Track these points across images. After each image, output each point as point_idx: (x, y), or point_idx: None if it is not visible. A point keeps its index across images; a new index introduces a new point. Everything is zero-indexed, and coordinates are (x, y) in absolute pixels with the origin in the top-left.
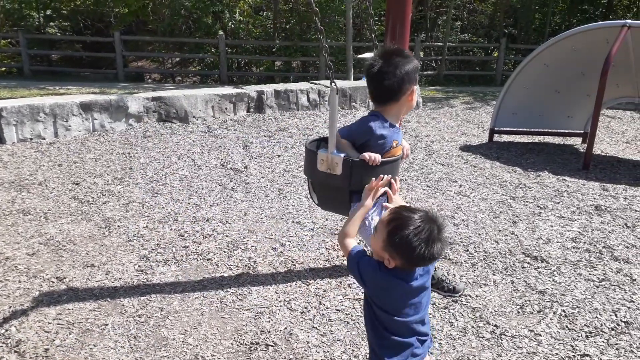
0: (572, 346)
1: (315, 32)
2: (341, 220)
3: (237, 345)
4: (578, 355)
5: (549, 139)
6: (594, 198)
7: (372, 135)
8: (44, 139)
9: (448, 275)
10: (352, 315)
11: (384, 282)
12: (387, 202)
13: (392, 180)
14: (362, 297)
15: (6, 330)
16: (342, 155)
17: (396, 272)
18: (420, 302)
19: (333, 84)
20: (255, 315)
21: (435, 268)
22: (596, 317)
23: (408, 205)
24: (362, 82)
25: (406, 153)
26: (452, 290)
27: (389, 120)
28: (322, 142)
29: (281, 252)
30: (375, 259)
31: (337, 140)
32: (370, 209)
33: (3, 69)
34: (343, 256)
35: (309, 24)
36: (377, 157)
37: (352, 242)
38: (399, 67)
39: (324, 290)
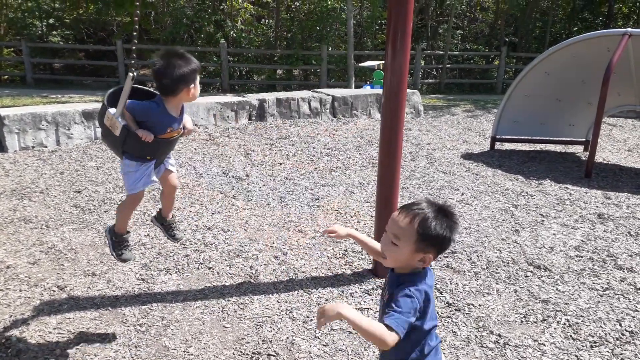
0: (576, 356)
1: (317, 40)
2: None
3: (239, 355)
4: None
5: (550, 147)
6: (597, 206)
7: (148, 118)
8: (46, 147)
9: (450, 284)
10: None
11: (429, 296)
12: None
13: (328, 232)
14: (364, 307)
15: (7, 340)
16: (123, 123)
17: (426, 276)
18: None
19: (132, 70)
20: (257, 325)
21: (173, 215)
22: (600, 326)
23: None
24: (363, 91)
25: (186, 132)
26: (174, 237)
27: (168, 109)
28: (117, 96)
29: (283, 260)
30: (414, 297)
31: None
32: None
33: (6, 77)
34: (345, 265)
35: (310, 33)
36: (149, 136)
37: (384, 331)
38: (175, 69)
39: (326, 300)
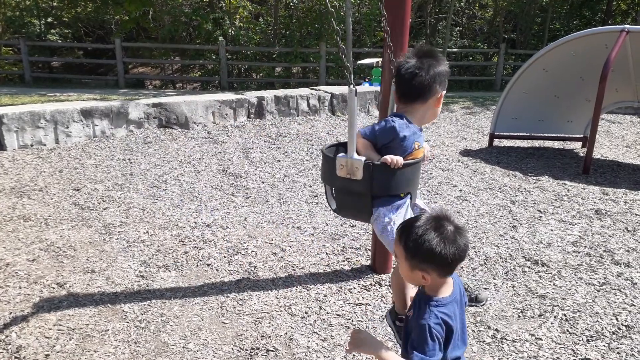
0: (573, 350)
1: (316, 37)
2: (342, 225)
3: (238, 350)
4: (579, 359)
5: (548, 144)
6: (594, 202)
7: (395, 135)
8: (45, 145)
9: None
10: (352, 320)
11: (452, 324)
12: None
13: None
14: (363, 302)
15: (7, 336)
16: (363, 159)
17: (449, 305)
18: (463, 313)
19: (351, 85)
20: (256, 321)
21: None
22: (597, 321)
23: None
24: (362, 88)
25: (427, 155)
26: (475, 300)
27: (412, 122)
28: (339, 147)
29: (281, 257)
30: (435, 327)
31: (357, 141)
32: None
33: (4, 75)
34: (343, 261)
35: (308, 31)
36: (399, 160)
37: None
38: (432, 67)
39: (325, 295)
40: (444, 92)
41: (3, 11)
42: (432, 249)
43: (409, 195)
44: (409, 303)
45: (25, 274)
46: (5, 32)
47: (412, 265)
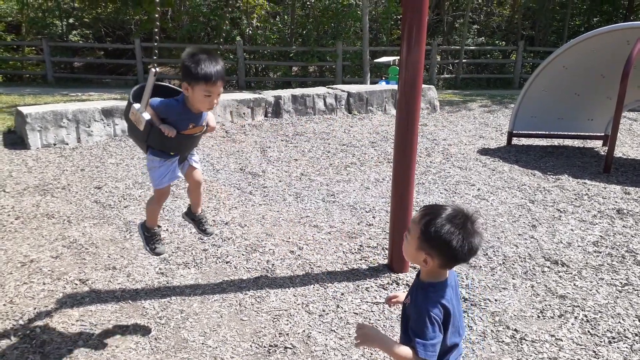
0: (594, 352)
1: (333, 36)
2: (359, 223)
3: (256, 347)
4: None
5: (568, 142)
6: (616, 201)
7: (170, 115)
8: (67, 144)
9: (467, 278)
10: (370, 319)
11: (448, 307)
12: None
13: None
14: (380, 301)
15: (31, 331)
16: (147, 118)
17: (444, 290)
18: (459, 301)
19: (154, 66)
20: (274, 318)
21: (202, 210)
22: (619, 322)
23: None
24: (378, 87)
25: (209, 129)
26: (205, 232)
27: (187, 106)
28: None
29: (299, 255)
30: (434, 305)
31: (147, 108)
32: None
33: (28, 76)
34: (360, 260)
35: (325, 30)
36: (172, 132)
37: (403, 349)
38: (183, 61)
39: (342, 294)
40: (193, 85)
41: (26, 13)
42: (449, 242)
43: (177, 156)
44: (156, 221)
45: (49, 270)
46: (29, 33)
47: (421, 246)
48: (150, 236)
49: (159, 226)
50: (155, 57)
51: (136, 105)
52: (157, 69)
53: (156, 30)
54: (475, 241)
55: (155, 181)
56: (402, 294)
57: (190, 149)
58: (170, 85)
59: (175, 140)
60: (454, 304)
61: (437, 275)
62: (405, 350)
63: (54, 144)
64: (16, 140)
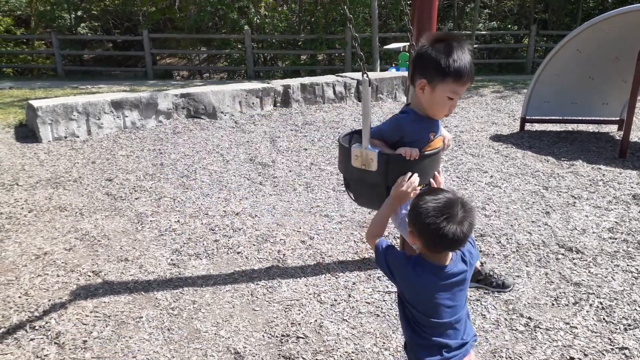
0: (609, 339)
1: (342, 24)
2: (370, 213)
3: (269, 337)
4: (616, 348)
5: (582, 127)
6: (632, 187)
7: (403, 131)
8: (78, 137)
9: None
10: (382, 308)
11: (413, 277)
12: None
13: (436, 173)
14: (392, 290)
15: (46, 323)
16: (377, 150)
17: (425, 265)
18: (453, 298)
19: (365, 75)
20: (286, 308)
21: (482, 263)
22: (635, 309)
23: None
24: (389, 74)
25: (447, 143)
26: (502, 286)
27: (420, 114)
28: (355, 135)
29: (310, 245)
30: (403, 251)
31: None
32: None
33: (37, 69)
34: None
35: (334, 17)
36: (414, 151)
37: (379, 238)
38: (420, 51)
39: (353, 283)
40: (429, 81)
41: (35, 6)
42: (420, 218)
43: (426, 187)
44: None
45: (63, 262)
46: (38, 26)
47: (408, 220)
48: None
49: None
50: (363, 62)
51: (356, 146)
52: (369, 77)
53: (354, 35)
54: (450, 229)
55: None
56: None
57: (432, 173)
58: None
59: (420, 162)
60: (427, 290)
61: (432, 257)
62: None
63: (65, 137)
64: (28, 133)
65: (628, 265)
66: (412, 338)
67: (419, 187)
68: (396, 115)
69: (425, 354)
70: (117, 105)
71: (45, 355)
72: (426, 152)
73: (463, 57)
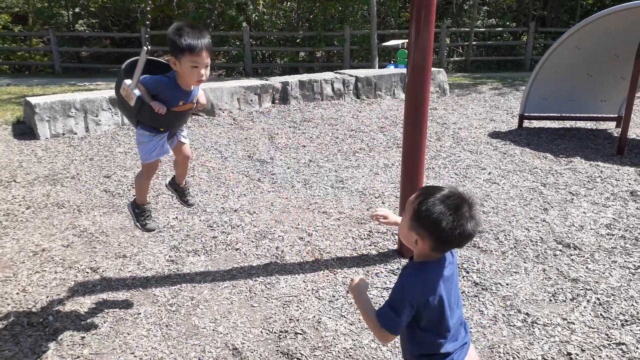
0: (607, 334)
1: (340, 21)
2: (368, 209)
3: (267, 333)
4: (613, 343)
5: (581, 124)
6: (629, 183)
7: (159, 92)
8: (76, 133)
9: (477, 263)
10: (380, 304)
11: (430, 282)
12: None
13: (377, 216)
14: (389, 286)
15: (44, 319)
16: (138, 94)
17: (430, 265)
18: (453, 285)
19: (146, 44)
20: (284, 304)
21: (186, 182)
22: (632, 305)
23: None
24: (387, 70)
25: (199, 106)
26: (187, 203)
27: (179, 83)
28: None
29: (308, 241)
30: (403, 279)
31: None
32: None
33: (35, 66)
34: (370, 247)
35: (332, 14)
36: (162, 109)
37: (375, 320)
38: (169, 35)
39: (352, 279)
40: (180, 57)
41: (32, 3)
42: (439, 222)
43: (167, 132)
44: (146, 197)
45: (61, 259)
46: (35, 23)
47: (413, 225)
48: (140, 212)
49: (149, 202)
50: (147, 35)
51: (127, 81)
52: (149, 47)
53: (148, 8)
54: (469, 226)
55: (144, 156)
56: (392, 215)
57: (180, 125)
58: (162, 60)
59: (165, 117)
60: (442, 291)
61: (429, 258)
62: (373, 317)
63: (63, 134)
64: (25, 130)
65: (625, 261)
66: (414, 350)
67: (162, 130)
68: (161, 77)
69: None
70: (115, 102)
71: (43, 352)
72: (171, 110)
73: (194, 36)
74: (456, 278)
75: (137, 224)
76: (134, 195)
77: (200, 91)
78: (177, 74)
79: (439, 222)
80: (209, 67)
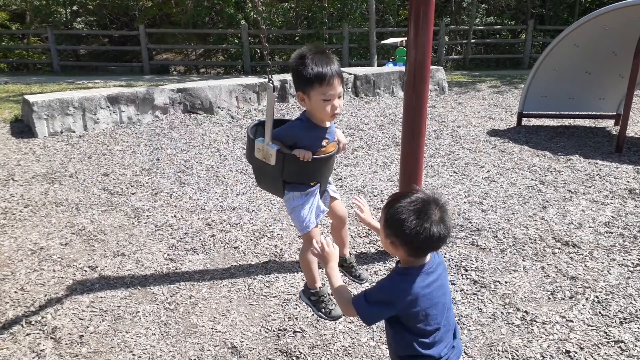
0: (605, 332)
1: (339, 19)
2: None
3: (265, 331)
4: (612, 341)
5: (579, 122)
6: (628, 181)
7: (297, 136)
8: (74, 132)
9: (475, 262)
10: None
11: (411, 286)
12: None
13: (357, 202)
14: None
15: (42, 318)
16: (276, 148)
17: (412, 271)
18: (443, 288)
19: (270, 82)
20: (283, 302)
21: (350, 253)
22: (631, 302)
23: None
24: (386, 69)
25: (342, 147)
26: (358, 278)
27: (313, 121)
28: (260, 127)
29: None
30: (382, 281)
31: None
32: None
33: (33, 64)
34: (369, 245)
35: (331, 12)
36: (307, 154)
37: (349, 303)
38: (292, 66)
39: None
40: (307, 91)
41: (30, 0)
42: (402, 226)
43: (318, 185)
44: (317, 277)
45: (59, 257)
46: (33, 21)
47: (386, 232)
48: (317, 299)
49: (323, 284)
50: (269, 70)
51: (259, 140)
52: (276, 83)
53: (263, 35)
54: (435, 229)
55: (300, 224)
56: (369, 215)
57: (328, 174)
58: (287, 118)
59: (313, 164)
60: (423, 297)
61: (412, 263)
62: (346, 295)
63: (61, 132)
64: (23, 128)
65: (624, 259)
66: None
67: (312, 184)
68: (293, 121)
69: None
70: (113, 100)
71: (41, 350)
72: (318, 156)
73: (322, 63)
74: (445, 281)
75: (320, 313)
76: (303, 280)
77: (337, 130)
78: (307, 112)
79: (403, 227)
80: (342, 98)
